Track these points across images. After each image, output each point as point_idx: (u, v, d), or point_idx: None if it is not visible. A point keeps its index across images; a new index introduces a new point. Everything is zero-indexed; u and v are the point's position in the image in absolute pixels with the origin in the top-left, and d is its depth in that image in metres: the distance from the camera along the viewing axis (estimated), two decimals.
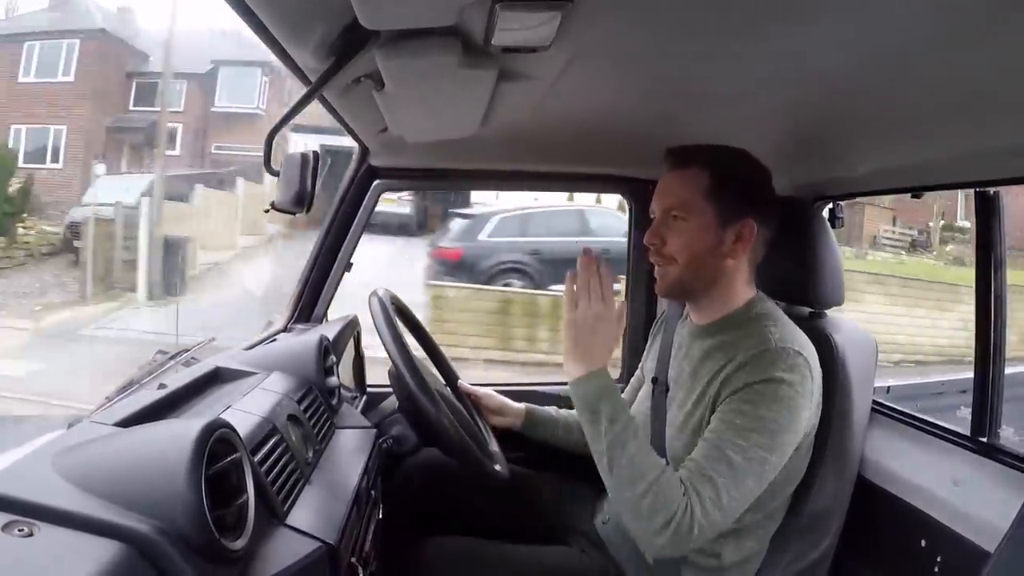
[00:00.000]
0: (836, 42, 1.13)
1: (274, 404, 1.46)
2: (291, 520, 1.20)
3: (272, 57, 1.22)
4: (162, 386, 1.43)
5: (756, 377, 1.48)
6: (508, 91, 1.47)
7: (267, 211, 1.68)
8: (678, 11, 1.08)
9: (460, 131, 1.85)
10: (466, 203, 13.25)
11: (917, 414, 1.94)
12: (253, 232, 16.41)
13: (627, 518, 1.49)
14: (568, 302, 1.53)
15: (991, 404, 1.73)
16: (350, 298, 2.38)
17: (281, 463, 1.28)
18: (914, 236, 18.00)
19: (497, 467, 1.81)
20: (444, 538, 1.79)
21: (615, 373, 2.17)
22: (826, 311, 1.87)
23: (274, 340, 2.06)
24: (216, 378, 1.62)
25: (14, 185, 15.69)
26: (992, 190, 1.69)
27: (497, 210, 10.74)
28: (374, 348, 1.95)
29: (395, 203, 14.10)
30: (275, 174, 1.58)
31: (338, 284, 2.38)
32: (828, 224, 1.92)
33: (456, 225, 10.88)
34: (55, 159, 19.94)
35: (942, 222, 17.68)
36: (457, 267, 10.09)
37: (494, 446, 1.96)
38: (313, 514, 1.25)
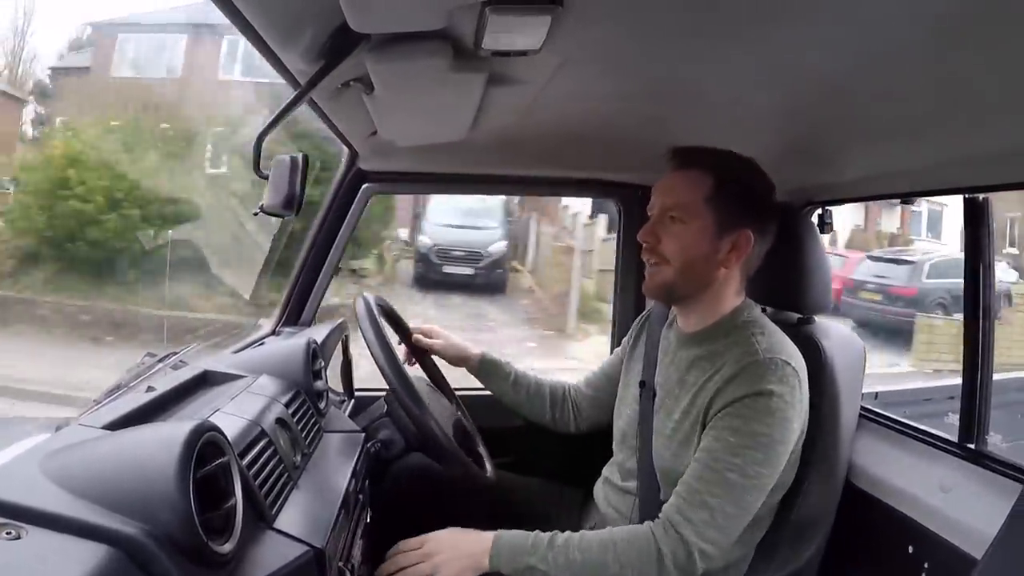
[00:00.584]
0: (825, 47, 1.14)
1: (262, 407, 1.45)
2: (279, 524, 1.19)
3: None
4: (150, 389, 1.42)
5: (746, 390, 1.48)
6: (498, 95, 1.48)
7: (256, 214, 1.67)
8: (668, 15, 1.08)
9: (450, 135, 1.86)
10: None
11: (905, 420, 1.94)
12: None
13: None
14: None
15: (979, 410, 1.73)
16: None
17: (269, 467, 1.28)
18: None
19: (484, 471, 1.82)
20: None
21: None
22: (814, 316, 1.88)
23: (262, 343, 2.06)
24: (204, 381, 1.61)
25: None
26: (981, 196, 1.70)
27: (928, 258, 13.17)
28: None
29: None
30: (264, 177, 1.57)
31: (326, 288, 2.38)
32: (817, 229, 1.93)
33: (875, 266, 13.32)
34: None
35: None
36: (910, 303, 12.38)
37: (482, 450, 1.96)
38: (301, 518, 1.25)
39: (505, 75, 1.36)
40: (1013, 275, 12.98)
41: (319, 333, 2.08)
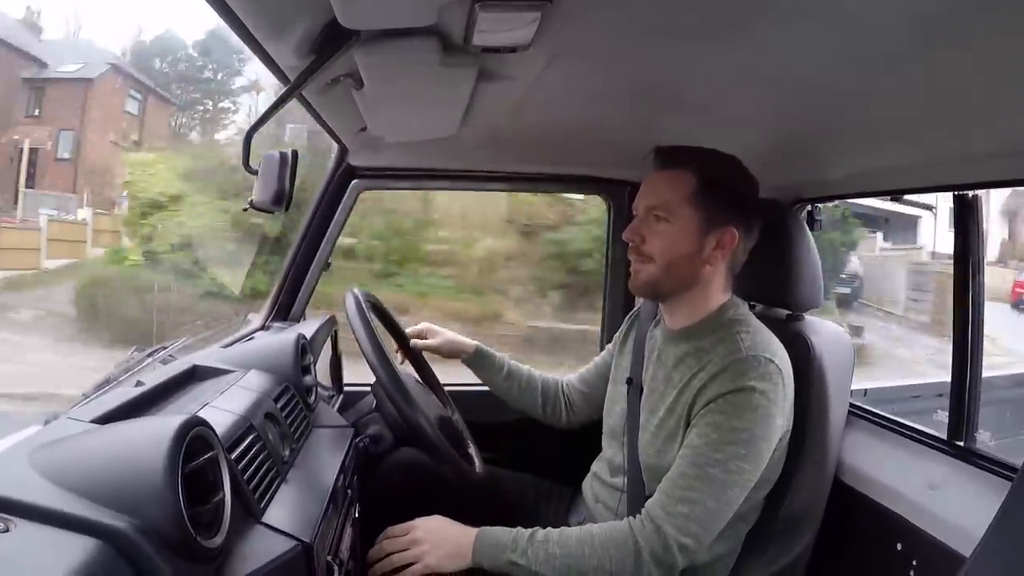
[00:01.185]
0: (813, 46, 1.14)
1: (251, 402, 1.45)
2: (267, 518, 1.19)
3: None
4: (139, 383, 1.42)
5: (728, 387, 1.49)
6: (488, 91, 1.48)
7: (245, 210, 1.67)
8: (657, 12, 1.08)
9: (439, 131, 1.85)
10: None
11: (894, 417, 1.95)
12: None
13: None
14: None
15: (968, 408, 1.73)
16: None
17: (258, 461, 1.28)
18: None
19: (473, 467, 1.82)
20: None
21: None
22: (804, 313, 1.89)
23: (252, 338, 2.06)
24: (193, 376, 1.61)
25: None
26: (971, 193, 1.69)
27: None
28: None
29: None
30: (253, 173, 1.57)
31: (316, 283, 2.38)
32: (807, 226, 1.94)
33: None
34: None
35: None
36: None
37: (471, 446, 1.97)
38: (289, 512, 1.25)
39: (495, 71, 1.37)
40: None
41: (308, 328, 2.08)
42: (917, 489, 1.66)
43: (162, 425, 1.00)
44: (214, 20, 1.09)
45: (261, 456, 1.31)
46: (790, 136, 1.76)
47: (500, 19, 1.07)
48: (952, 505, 1.57)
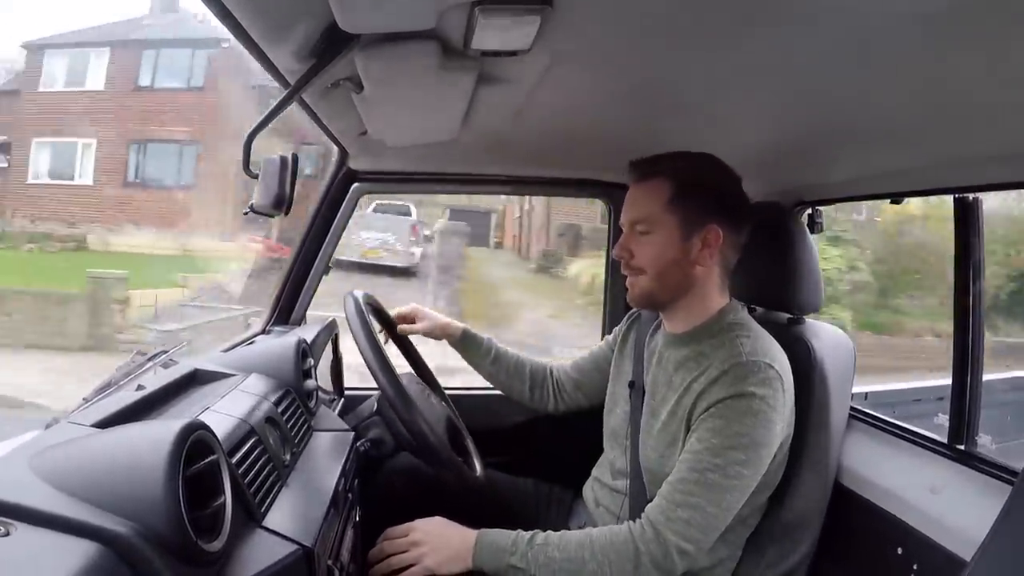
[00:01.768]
0: (816, 48, 1.14)
1: (252, 406, 1.45)
2: (268, 522, 1.19)
3: None
4: (140, 387, 1.42)
5: (728, 392, 1.50)
6: (488, 95, 1.48)
7: (246, 213, 1.67)
8: (657, 16, 1.08)
9: (440, 135, 1.85)
10: None
11: (895, 421, 1.94)
12: None
13: None
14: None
15: (969, 411, 1.73)
16: None
17: (258, 465, 1.28)
18: None
19: (474, 471, 1.82)
20: None
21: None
22: (805, 317, 1.88)
23: (252, 342, 2.06)
24: (194, 380, 1.61)
25: None
26: (971, 196, 1.69)
27: None
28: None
29: None
30: (254, 176, 1.57)
31: (316, 287, 2.38)
32: (807, 229, 1.94)
33: None
34: None
35: None
36: None
37: (472, 450, 1.97)
38: (290, 516, 1.25)
39: (495, 75, 1.37)
40: None
41: (309, 332, 2.08)
42: (918, 493, 1.65)
43: (163, 429, 1.00)
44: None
45: (262, 460, 1.31)
46: (791, 139, 1.76)
47: (500, 23, 1.07)
48: (953, 509, 1.56)
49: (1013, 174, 1.47)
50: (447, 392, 2.19)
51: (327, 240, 2.33)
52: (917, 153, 1.61)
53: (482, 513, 1.67)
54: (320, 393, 1.89)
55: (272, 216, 1.65)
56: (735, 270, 1.68)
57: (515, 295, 16.11)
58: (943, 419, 1.78)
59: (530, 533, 1.53)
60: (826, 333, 1.85)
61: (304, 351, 1.82)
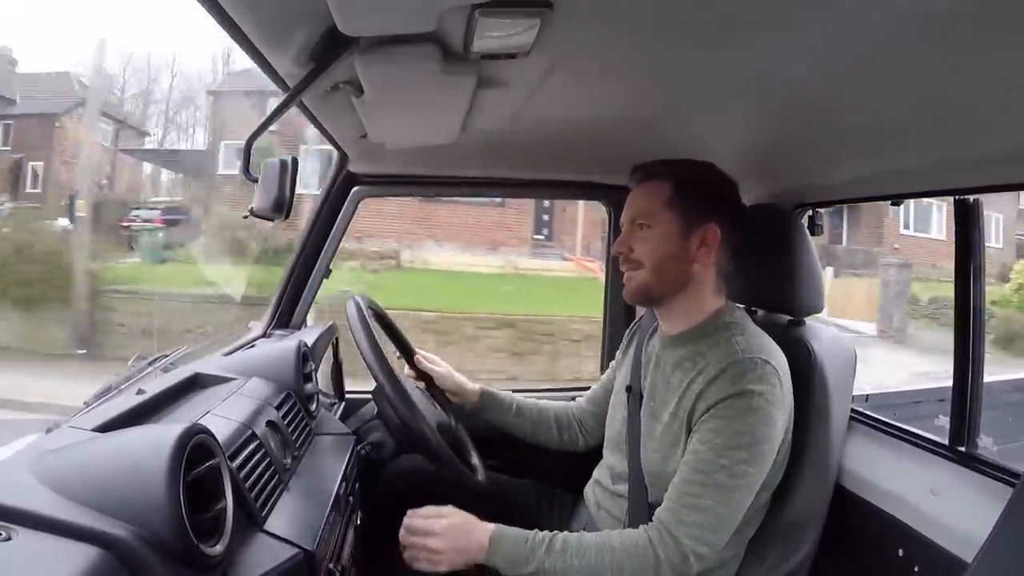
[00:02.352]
0: (814, 51, 1.14)
1: (253, 410, 1.45)
2: (269, 526, 1.19)
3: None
4: (141, 391, 1.42)
5: (728, 391, 1.50)
6: (488, 98, 1.48)
7: (246, 217, 1.67)
8: (656, 19, 1.08)
9: (440, 138, 1.85)
10: None
11: (896, 423, 1.94)
12: None
13: None
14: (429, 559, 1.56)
15: (969, 413, 1.72)
16: None
17: (259, 469, 1.28)
18: None
19: (476, 474, 1.82)
20: None
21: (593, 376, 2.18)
22: (805, 319, 1.88)
23: (253, 346, 2.05)
24: (195, 384, 1.61)
25: None
26: (972, 198, 1.69)
27: None
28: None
29: None
30: (253, 181, 1.57)
31: (316, 291, 2.38)
32: (807, 232, 1.93)
33: None
34: None
35: None
36: None
37: (473, 453, 1.96)
38: (291, 520, 1.25)
39: (495, 78, 1.36)
40: None
41: (310, 336, 2.08)
42: (919, 495, 1.65)
43: (163, 433, 1.00)
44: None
45: (263, 464, 1.31)
46: (791, 141, 1.76)
47: (500, 26, 1.07)
48: (954, 510, 1.56)
49: (1013, 175, 1.48)
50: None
51: (327, 244, 2.32)
52: (917, 155, 1.61)
53: (484, 515, 1.67)
54: (321, 397, 1.89)
55: (272, 220, 1.65)
56: (735, 272, 1.69)
57: None
58: (944, 421, 1.78)
59: (546, 537, 1.52)
60: (826, 335, 1.84)
61: (305, 355, 1.82)
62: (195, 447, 1.01)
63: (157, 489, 0.92)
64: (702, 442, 1.50)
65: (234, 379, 1.64)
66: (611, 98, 1.54)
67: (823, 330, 1.87)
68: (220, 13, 1.00)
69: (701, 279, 1.65)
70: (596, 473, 1.91)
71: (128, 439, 1.05)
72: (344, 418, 2.02)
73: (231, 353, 1.94)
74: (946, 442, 1.75)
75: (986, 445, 1.73)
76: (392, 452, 1.87)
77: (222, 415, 1.37)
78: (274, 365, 1.74)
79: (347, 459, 1.63)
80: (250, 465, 1.26)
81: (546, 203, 19.16)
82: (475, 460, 1.93)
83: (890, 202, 1.97)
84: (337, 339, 2.39)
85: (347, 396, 2.39)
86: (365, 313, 1.78)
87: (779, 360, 1.56)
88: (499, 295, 13.61)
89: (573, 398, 2.20)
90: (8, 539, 0.84)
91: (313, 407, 1.78)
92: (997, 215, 18.60)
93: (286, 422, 1.55)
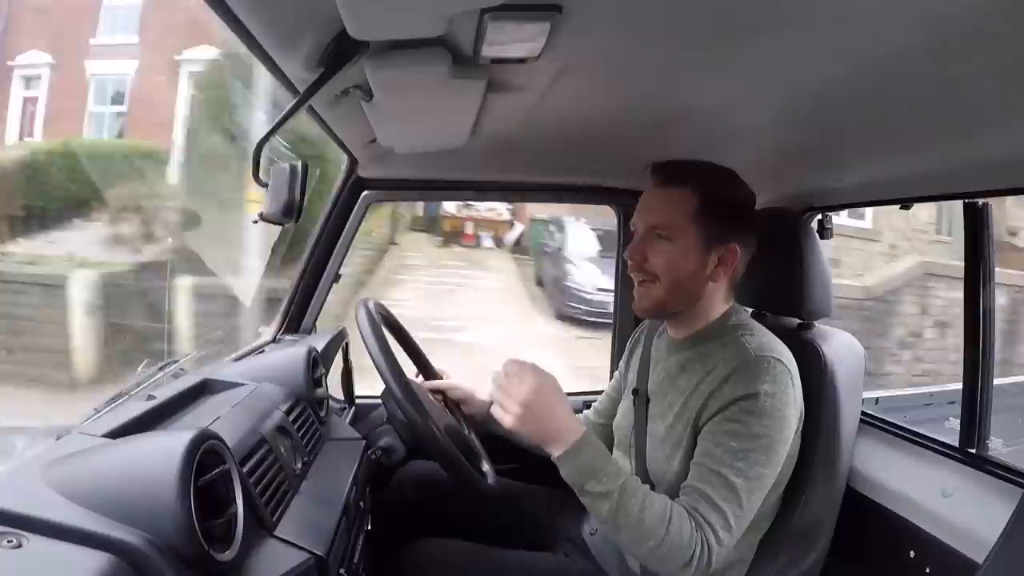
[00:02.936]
0: (825, 54, 1.14)
1: (262, 415, 1.46)
2: (280, 531, 1.19)
3: None
4: (151, 397, 1.42)
5: (741, 392, 1.48)
6: (497, 102, 1.48)
7: (255, 222, 1.68)
8: (667, 22, 1.08)
9: (449, 142, 1.85)
10: None
11: (906, 425, 1.93)
12: None
13: (647, 564, 1.50)
14: (503, 405, 1.50)
15: (980, 415, 1.72)
16: None
17: (270, 474, 1.28)
18: None
19: (486, 478, 1.81)
20: (432, 539, 1.79)
21: (605, 382, 2.18)
22: (814, 322, 1.88)
23: (262, 351, 2.06)
24: (205, 389, 1.62)
25: None
26: (981, 201, 1.68)
27: None
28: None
29: None
30: (264, 185, 1.57)
31: (327, 295, 2.38)
32: (817, 235, 1.93)
33: None
34: None
35: None
36: None
37: (483, 457, 1.96)
38: (302, 525, 1.25)
39: (504, 82, 1.36)
40: None
41: (319, 341, 2.08)
42: (930, 497, 1.65)
43: (174, 439, 1.00)
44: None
45: (273, 469, 1.31)
46: (800, 145, 1.76)
47: (509, 30, 1.07)
48: (965, 512, 1.56)
49: (1023, 179, 1.47)
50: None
51: (336, 249, 2.32)
52: (927, 158, 1.61)
53: (494, 520, 1.66)
54: (331, 402, 1.89)
55: (282, 224, 1.65)
56: (745, 277, 1.67)
57: None
58: (954, 423, 1.78)
59: (624, 473, 1.47)
60: (836, 338, 1.83)
61: (315, 360, 1.82)
62: (205, 453, 1.01)
63: (168, 495, 0.92)
64: (718, 445, 1.48)
65: (244, 384, 1.64)
66: (622, 102, 1.54)
67: (833, 333, 1.86)
68: (231, 17, 1.00)
69: (713, 292, 1.62)
70: None
71: (138, 445, 1.06)
72: (354, 423, 2.02)
73: (241, 358, 1.94)
74: (956, 444, 1.75)
75: (996, 447, 1.73)
76: (402, 457, 1.86)
77: (232, 421, 1.37)
78: (284, 370, 1.74)
79: (357, 464, 1.63)
80: (260, 470, 1.26)
81: None
82: (486, 465, 1.92)
83: (899, 206, 1.96)
84: (347, 344, 2.39)
85: (357, 401, 2.39)
86: (375, 318, 1.78)
87: (789, 358, 1.55)
88: None
89: (586, 403, 2.19)
90: (19, 546, 0.84)
91: (323, 412, 1.78)
92: None
93: (296, 427, 1.55)
